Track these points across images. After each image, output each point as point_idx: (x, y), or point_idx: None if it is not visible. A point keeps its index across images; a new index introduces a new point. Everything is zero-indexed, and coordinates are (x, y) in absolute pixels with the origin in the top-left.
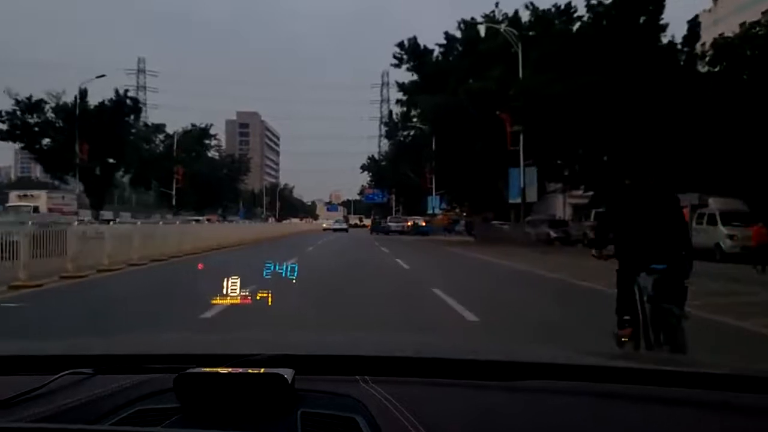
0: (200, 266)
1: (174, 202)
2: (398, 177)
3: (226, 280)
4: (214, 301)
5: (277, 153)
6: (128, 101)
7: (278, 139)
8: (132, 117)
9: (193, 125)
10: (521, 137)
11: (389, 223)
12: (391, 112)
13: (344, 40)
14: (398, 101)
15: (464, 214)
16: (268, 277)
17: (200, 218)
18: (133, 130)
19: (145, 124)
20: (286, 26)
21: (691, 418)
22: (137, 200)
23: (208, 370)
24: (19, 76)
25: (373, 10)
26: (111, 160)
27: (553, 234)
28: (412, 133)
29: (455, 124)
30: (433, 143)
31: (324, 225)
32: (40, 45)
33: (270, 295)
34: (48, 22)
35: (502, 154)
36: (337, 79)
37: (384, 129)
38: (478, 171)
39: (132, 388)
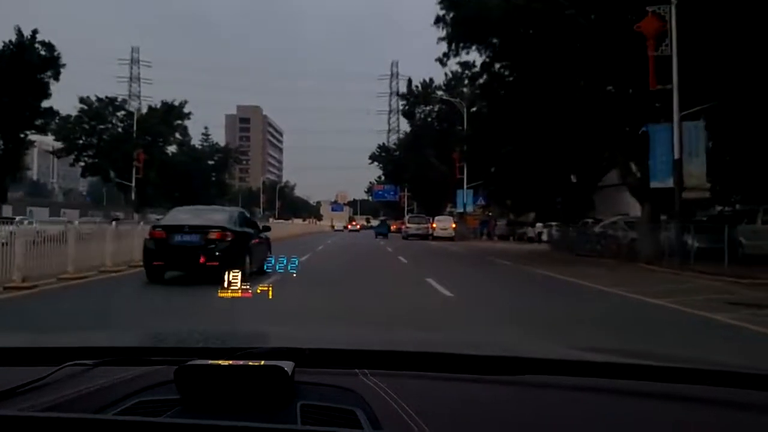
0: None
1: (134, 196)
2: (417, 166)
3: (227, 273)
4: (221, 294)
5: (280, 150)
6: (39, 48)
7: (281, 135)
8: (49, 74)
9: (163, 102)
10: (675, 63)
11: (408, 225)
12: (410, 81)
13: (351, 31)
14: (437, 21)
15: (489, 213)
16: (269, 270)
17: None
18: (51, 96)
19: (98, 98)
20: (291, 19)
21: (690, 413)
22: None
23: (208, 362)
24: None
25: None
26: (26, 135)
27: (696, 244)
28: (436, 109)
29: (536, 48)
30: (465, 118)
31: (335, 226)
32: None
33: (270, 288)
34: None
35: (631, 102)
36: (345, 72)
37: (401, 105)
38: (567, 136)
39: (133, 379)
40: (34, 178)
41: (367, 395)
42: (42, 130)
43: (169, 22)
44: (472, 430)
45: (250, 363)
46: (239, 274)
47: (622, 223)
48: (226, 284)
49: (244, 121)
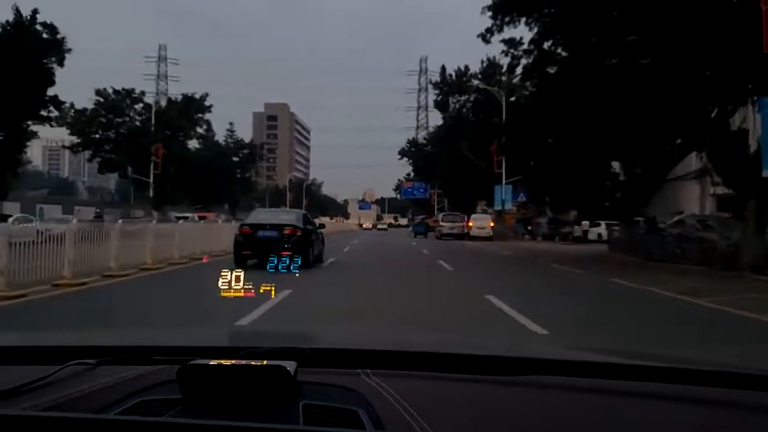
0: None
1: (152, 193)
2: (450, 160)
3: (230, 273)
4: (224, 294)
5: (308, 148)
6: (40, 30)
7: (309, 132)
8: (53, 59)
9: (183, 95)
10: None
11: (442, 224)
12: (443, 69)
13: (378, 27)
14: None
15: (523, 212)
16: (272, 270)
17: (188, 215)
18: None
19: (115, 91)
20: (317, 16)
21: (691, 414)
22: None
23: (210, 361)
24: None
25: None
26: (28, 125)
27: None
28: (471, 99)
29: (599, 15)
30: (504, 108)
31: (363, 225)
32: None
33: (273, 288)
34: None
35: (721, 76)
36: (372, 68)
37: (434, 94)
38: (630, 123)
39: (135, 379)
40: (64, 175)
41: (369, 395)
42: (47, 121)
43: (193, 21)
44: (474, 430)
45: (253, 363)
46: (241, 274)
47: (693, 221)
48: (228, 285)
49: (272, 118)
